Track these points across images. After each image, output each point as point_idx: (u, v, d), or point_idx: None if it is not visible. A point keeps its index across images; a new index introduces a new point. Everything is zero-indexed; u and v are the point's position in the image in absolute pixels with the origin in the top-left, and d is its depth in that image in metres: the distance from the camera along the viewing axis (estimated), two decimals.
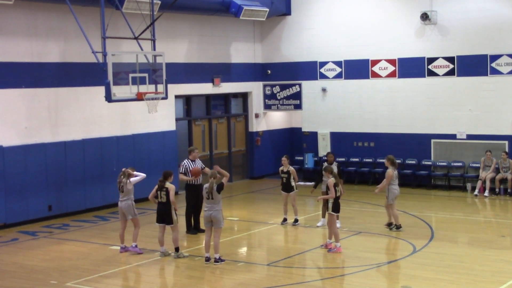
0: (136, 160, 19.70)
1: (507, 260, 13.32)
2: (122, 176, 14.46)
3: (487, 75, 20.72)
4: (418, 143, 21.95)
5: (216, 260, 13.34)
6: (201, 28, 22.31)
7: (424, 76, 21.68)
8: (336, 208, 14.22)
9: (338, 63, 23.20)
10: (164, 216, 13.82)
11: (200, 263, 13.47)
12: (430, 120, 21.68)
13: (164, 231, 13.95)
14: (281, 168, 16.70)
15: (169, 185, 13.80)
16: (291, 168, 16.66)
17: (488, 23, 20.56)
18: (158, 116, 19.42)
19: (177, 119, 21.65)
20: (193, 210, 15.98)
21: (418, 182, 21.94)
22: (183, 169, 15.92)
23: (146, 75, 16.62)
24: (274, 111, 25.15)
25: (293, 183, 16.58)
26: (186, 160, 16.13)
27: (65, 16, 17.70)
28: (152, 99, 16.56)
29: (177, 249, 13.90)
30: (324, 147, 23.50)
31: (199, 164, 16.09)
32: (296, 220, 16.77)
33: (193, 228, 16.02)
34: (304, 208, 18.45)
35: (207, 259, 13.47)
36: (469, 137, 21.10)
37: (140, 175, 14.54)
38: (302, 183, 16.50)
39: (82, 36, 16.21)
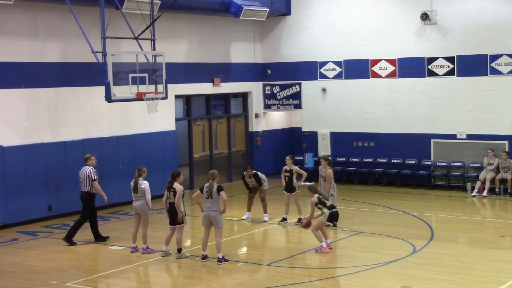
0: (136, 160, 19.70)
1: (507, 260, 13.32)
2: (137, 175, 14.37)
3: (487, 75, 20.72)
4: (418, 143, 21.95)
5: (220, 260, 13.35)
6: (201, 28, 22.31)
7: (424, 76, 21.68)
8: (331, 219, 14.18)
9: (338, 63, 23.20)
10: (174, 216, 13.79)
11: (200, 263, 13.47)
12: (430, 120, 21.68)
13: (173, 232, 13.92)
14: (284, 167, 16.80)
15: (177, 185, 13.72)
16: (294, 167, 16.76)
17: (488, 23, 20.56)
18: (158, 116, 19.44)
19: (177, 119, 21.65)
20: None
21: (418, 182, 21.94)
22: None
23: (146, 75, 16.62)
24: (274, 111, 25.16)
25: (294, 182, 16.67)
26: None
27: (65, 16, 17.70)
28: (152, 99, 16.56)
29: (179, 250, 13.90)
30: (324, 147, 23.51)
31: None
32: (299, 220, 16.81)
33: None
34: (305, 208, 18.44)
35: (204, 257, 13.54)
36: (469, 137, 21.10)
37: (147, 191, 14.39)
38: (300, 182, 16.55)
39: (82, 36, 16.21)
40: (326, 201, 14.24)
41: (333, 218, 14.22)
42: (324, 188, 16.08)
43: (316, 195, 14.22)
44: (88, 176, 15.17)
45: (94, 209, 15.56)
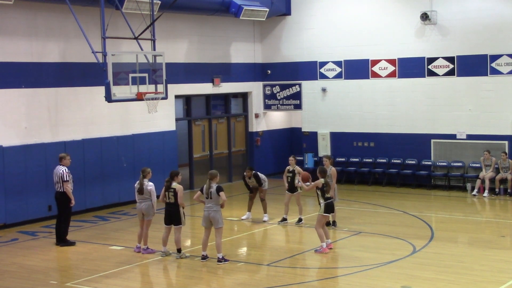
0: (136, 160, 19.71)
1: (507, 260, 13.32)
2: (142, 177, 14.24)
3: (487, 75, 20.72)
4: (418, 143, 21.96)
5: (220, 260, 13.34)
6: (201, 28, 22.31)
7: (424, 76, 21.68)
8: (328, 210, 14.22)
9: (338, 63, 23.21)
10: (172, 216, 13.77)
11: (200, 263, 13.47)
12: (430, 120, 21.68)
13: (169, 232, 13.91)
14: (287, 167, 16.85)
15: (176, 185, 13.72)
16: (297, 168, 16.78)
17: (488, 23, 20.56)
18: (158, 116, 19.42)
19: (177, 119, 21.65)
20: None
21: (418, 182, 21.94)
22: None
23: (146, 75, 16.61)
24: (274, 111, 25.16)
25: (296, 182, 16.68)
26: None
27: (65, 16, 17.70)
28: (152, 99, 16.56)
29: (179, 250, 13.89)
30: (324, 147, 23.51)
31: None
32: (300, 220, 16.83)
33: None
34: (304, 208, 18.43)
35: (204, 257, 13.54)
36: (469, 137, 21.10)
37: (153, 192, 14.31)
38: (300, 183, 16.57)
39: (82, 36, 16.22)
40: (326, 193, 14.22)
41: (329, 208, 14.20)
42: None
43: (323, 180, 14.19)
44: (61, 177, 14.91)
45: (70, 211, 15.25)
